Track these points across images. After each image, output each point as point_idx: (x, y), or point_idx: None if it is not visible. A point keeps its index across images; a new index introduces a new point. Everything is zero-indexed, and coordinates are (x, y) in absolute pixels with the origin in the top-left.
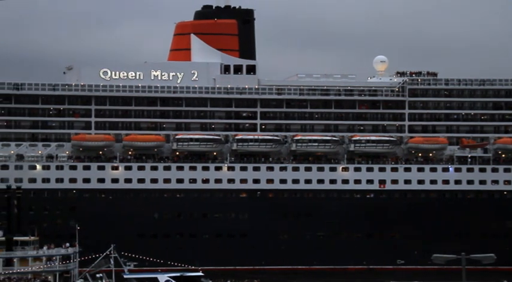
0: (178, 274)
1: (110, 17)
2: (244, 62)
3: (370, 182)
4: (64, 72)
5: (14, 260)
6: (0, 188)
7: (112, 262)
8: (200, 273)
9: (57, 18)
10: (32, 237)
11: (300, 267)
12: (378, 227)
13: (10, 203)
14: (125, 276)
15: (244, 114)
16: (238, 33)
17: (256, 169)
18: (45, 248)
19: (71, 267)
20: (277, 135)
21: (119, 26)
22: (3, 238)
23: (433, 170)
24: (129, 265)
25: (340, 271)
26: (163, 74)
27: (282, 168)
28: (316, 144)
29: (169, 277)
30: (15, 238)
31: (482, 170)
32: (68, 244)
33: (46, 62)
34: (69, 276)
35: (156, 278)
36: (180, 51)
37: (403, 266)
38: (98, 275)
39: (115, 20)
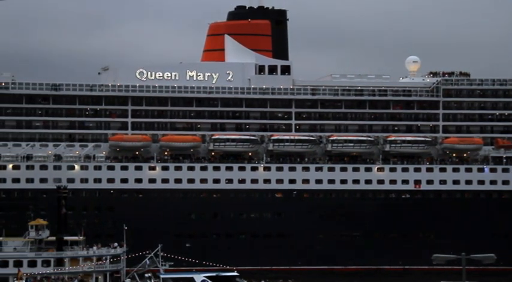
0: (214, 274)
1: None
2: (279, 63)
3: (405, 182)
4: (99, 73)
5: (65, 260)
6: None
7: (160, 262)
8: (235, 273)
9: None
10: (81, 237)
11: (335, 267)
12: (413, 227)
13: (59, 203)
14: (161, 276)
15: (279, 115)
16: (271, 33)
17: (292, 169)
18: (94, 247)
19: (120, 267)
20: (312, 136)
21: (124, 26)
22: (53, 238)
23: (468, 170)
24: (165, 265)
25: (375, 271)
26: (198, 74)
27: (318, 169)
28: (351, 144)
29: (205, 277)
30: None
31: None
32: (116, 244)
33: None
34: (119, 276)
35: (193, 278)
36: (214, 51)
37: (438, 266)
38: (146, 275)
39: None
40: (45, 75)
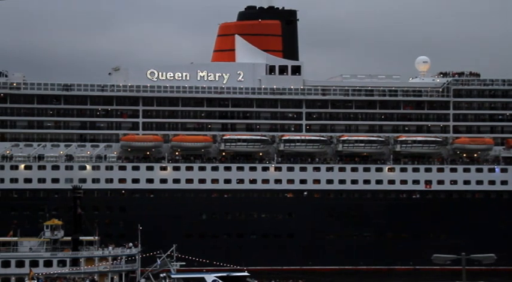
0: (224, 274)
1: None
2: (289, 63)
3: (416, 182)
4: (109, 73)
5: (81, 259)
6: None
7: (174, 262)
8: (246, 273)
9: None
10: (96, 238)
11: (346, 267)
12: (424, 227)
13: (75, 203)
14: (172, 276)
15: (289, 115)
16: (281, 33)
17: (302, 169)
18: (110, 247)
19: (136, 267)
20: (323, 136)
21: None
22: (68, 238)
23: (479, 170)
24: (175, 265)
25: (387, 271)
26: (209, 74)
27: (329, 169)
28: (362, 144)
29: (216, 277)
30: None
31: None
32: (130, 244)
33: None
34: (135, 276)
35: (203, 278)
36: (224, 52)
37: (450, 267)
38: (161, 275)
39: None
40: (51, 75)
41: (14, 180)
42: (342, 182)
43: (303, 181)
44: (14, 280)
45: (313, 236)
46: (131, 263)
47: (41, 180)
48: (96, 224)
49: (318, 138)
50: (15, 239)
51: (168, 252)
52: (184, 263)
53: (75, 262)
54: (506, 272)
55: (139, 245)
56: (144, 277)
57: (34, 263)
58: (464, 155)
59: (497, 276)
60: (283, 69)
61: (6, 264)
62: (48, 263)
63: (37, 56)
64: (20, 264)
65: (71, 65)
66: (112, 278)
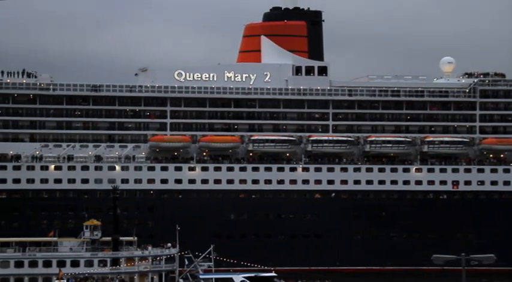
0: (252, 274)
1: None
2: (316, 64)
3: (443, 183)
4: (136, 74)
5: (121, 259)
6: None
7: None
8: (273, 274)
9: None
10: (135, 238)
11: (373, 267)
12: (451, 227)
13: (115, 204)
14: (200, 277)
15: (316, 116)
16: (307, 34)
17: (330, 170)
18: (149, 247)
19: (175, 267)
20: (350, 136)
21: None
22: (107, 238)
23: (506, 171)
24: (203, 265)
25: (414, 272)
26: (236, 75)
27: (356, 169)
28: (389, 145)
29: (244, 277)
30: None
31: None
32: (169, 244)
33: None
34: (174, 276)
35: (232, 279)
36: (250, 52)
37: (477, 267)
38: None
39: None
40: (78, 76)
41: (44, 181)
42: (369, 182)
43: (330, 181)
44: (55, 280)
45: (341, 236)
46: (170, 263)
47: (71, 181)
48: (134, 225)
49: (345, 138)
50: (55, 239)
51: (206, 253)
52: (212, 264)
53: (115, 262)
54: None
55: (178, 245)
56: (182, 277)
57: (75, 263)
58: (491, 155)
59: None
60: (309, 70)
61: (47, 264)
62: (89, 263)
63: (63, 57)
64: (61, 264)
65: (99, 65)
66: (152, 278)
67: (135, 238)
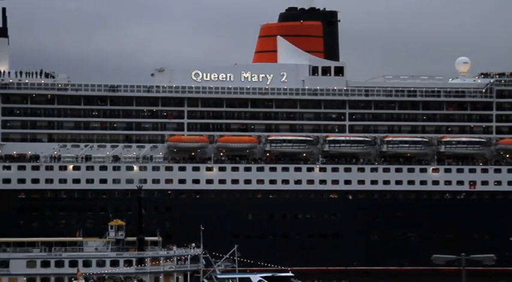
0: (270, 274)
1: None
2: (332, 64)
3: (460, 183)
4: (152, 74)
5: (146, 259)
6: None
7: (235, 263)
8: (290, 274)
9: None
10: (159, 238)
11: (390, 268)
12: (468, 228)
13: (139, 204)
14: (218, 277)
15: (333, 116)
16: (323, 34)
17: (347, 170)
18: (174, 247)
19: (200, 267)
20: (366, 137)
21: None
22: (132, 238)
23: None
24: (220, 266)
25: (431, 272)
26: (253, 75)
27: (373, 170)
28: (406, 145)
29: (261, 277)
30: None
31: None
32: (193, 244)
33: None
34: (199, 276)
35: (249, 278)
36: (266, 53)
37: (493, 268)
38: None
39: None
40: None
41: (62, 181)
42: (386, 182)
43: (347, 182)
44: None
45: (358, 236)
46: (195, 263)
47: (89, 181)
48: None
49: (362, 138)
50: (80, 239)
51: (230, 253)
52: (229, 263)
53: (140, 262)
54: None
55: (202, 246)
56: (206, 277)
57: (100, 263)
58: (508, 155)
59: None
60: (326, 70)
61: (73, 264)
62: (114, 263)
63: (80, 57)
64: (86, 264)
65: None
66: (177, 278)
67: (160, 238)
